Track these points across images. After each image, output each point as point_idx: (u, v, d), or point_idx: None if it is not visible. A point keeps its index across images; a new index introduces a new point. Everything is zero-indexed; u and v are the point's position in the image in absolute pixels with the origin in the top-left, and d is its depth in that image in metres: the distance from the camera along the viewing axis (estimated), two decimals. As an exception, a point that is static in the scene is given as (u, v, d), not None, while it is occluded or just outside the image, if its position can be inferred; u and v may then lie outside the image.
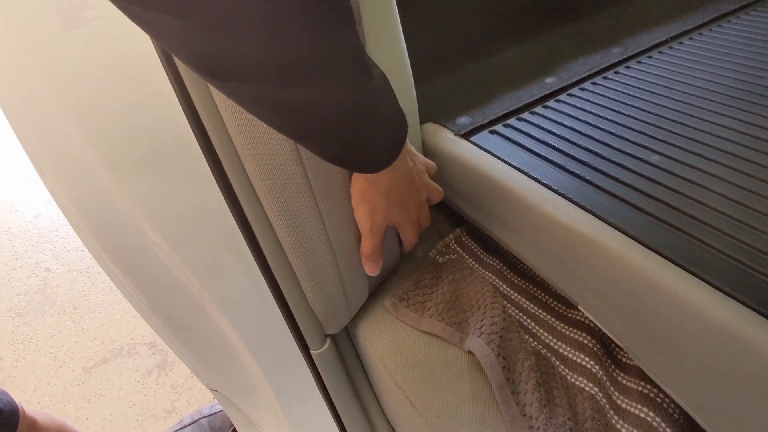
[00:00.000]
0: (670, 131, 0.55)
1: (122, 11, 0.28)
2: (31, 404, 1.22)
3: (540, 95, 0.65)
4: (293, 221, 0.50)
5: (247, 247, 0.54)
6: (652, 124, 0.56)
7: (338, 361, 0.62)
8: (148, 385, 1.24)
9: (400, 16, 0.54)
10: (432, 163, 0.57)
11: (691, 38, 0.73)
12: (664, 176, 0.48)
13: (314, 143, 0.36)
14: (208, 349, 0.67)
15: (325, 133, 0.34)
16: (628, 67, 0.68)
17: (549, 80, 0.68)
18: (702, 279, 0.38)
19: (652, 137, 0.54)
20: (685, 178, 0.48)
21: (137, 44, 0.49)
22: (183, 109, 0.48)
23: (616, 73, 0.68)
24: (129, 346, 1.33)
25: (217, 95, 0.45)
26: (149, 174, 0.51)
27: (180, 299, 0.60)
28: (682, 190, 0.46)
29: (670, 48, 0.71)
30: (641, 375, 0.51)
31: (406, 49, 0.56)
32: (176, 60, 0.46)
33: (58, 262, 1.58)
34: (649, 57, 0.70)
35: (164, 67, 0.47)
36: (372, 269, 0.54)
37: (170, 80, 0.47)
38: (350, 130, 0.35)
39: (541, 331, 0.58)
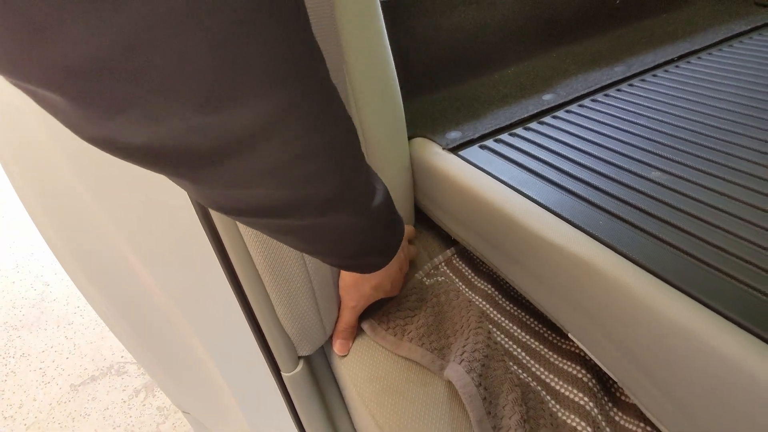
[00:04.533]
0: (673, 147, 0.51)
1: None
2: (15, 421, 1.19)
3: (536, 111, 0.62)
4: (268, 242, 0.47)
5: (219, 266, 0.52)
6: (655, 141, 0.52)
7: (311, 384, 0.58)
8: (135, 406, 1.20)
9: (391, 28, 0.52)
10: (411, 227, 0.59)
11: (699, 57, 0.70)
12: (664, 192, 0.44)
13: (319, 256, 0.38)
14: (180, 368, 0.63)
15: (330, 249, 0.36)
16: (631, 85, 0.65)
17: (547, 97, 0.65)
18: (705, 304, 0.34)
19: (653, 153, 0.50)
20: (687, 194, 0.44)
21: None
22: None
23: (618, 90, 0.64)
24: (119, 364, 1.30)
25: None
26: (126, 193, 0.49)
27: (152, 317, 0.57)
28: (683, 208, 0.42)
29: (676, 67, 0.68)
30: (640, 415, 0.46)
31: (392, 62, 0.54)
32: None
33: (57, 276, 1.57)
34: (654, 75, 0.67)
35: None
36: (342, 348, 0.54)
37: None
38: (356, 245, 0.37)
39: (532, 361, 0.53)
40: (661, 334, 0.34)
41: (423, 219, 0.68)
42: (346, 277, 0.50)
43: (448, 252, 0.67)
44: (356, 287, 0.50)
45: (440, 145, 0.59)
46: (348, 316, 0.52)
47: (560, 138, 0.56)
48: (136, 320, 0.58)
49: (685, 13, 0.88)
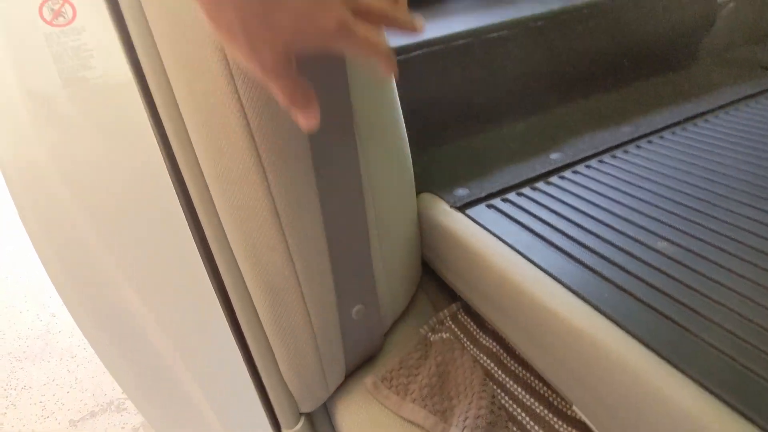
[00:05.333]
0: (681, 217, 0.51)
1: None
2: (11, 456, 1.17)
3: (543, 171, 0.62)
4: (272, 291, 0.47)
5: (224, 317, 0.52)
6: (662, 208, 0.53)
7: (312, 443, 0.57)
8: (132, 446, 1.18)
9: (401, 82, 0.54)
10: None
11: (706, 120, 0.71)
12: (671, 265, 0.44)
13: None
14: (178, 416, 0.63)
15: None
16: (638, 147, 0.66)
17: (554, 156, 0.66)
18: (712, 393, 0.33)
19: (660, 222, 0.50)
20: (695, 269, 0.44)
21: (129, 103, 0.49)
22: (168, 172, 0.48)
23: (625, 152, 0.65)
24: (119, 401, 1.29)
25: (203, 158, 0.44)
26: (130, 232, 0.50)
27: (151, 360, 0.57)
28: (691, 284, 0.42)
29: (684, 129, 0.69)
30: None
31: (401, 115, 0.56)
32: (164, 121, 0.46)
33: (63, 308, 1.58)
34: (661, 137, 0.67)
35: (152, 127, 0.47)
36: (307, 117, 0.34)
37: (156, 140, 0.47)
38: None
39: (536, 427, 0.52)
40: (671, 422, 0.34)
41: (429, 272, 0.68)
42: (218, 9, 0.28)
43: (454, 306, 0.67)
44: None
45: (448, 202, 0.60)
46: (274, 84, 0.31)
47: (566, 200, 0.56)
48: (135, 359, 0.58)
49: (693, 74, 0.90)
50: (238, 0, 0.27)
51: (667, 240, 0.47)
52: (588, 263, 0.46)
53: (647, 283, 0.43)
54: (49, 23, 0.49)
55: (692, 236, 0.48)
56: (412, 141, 0.58)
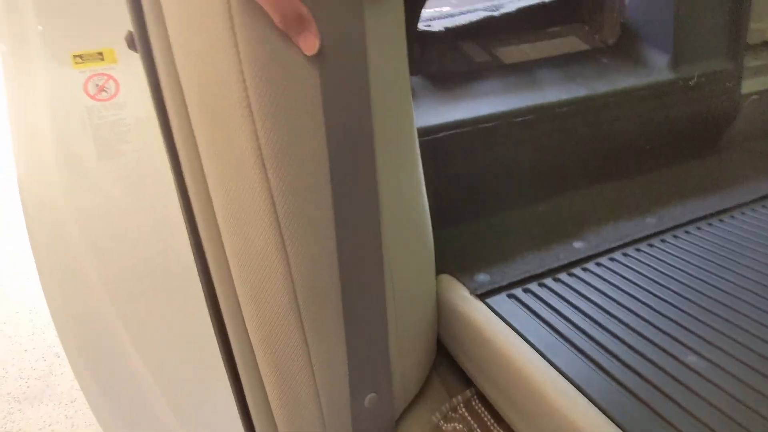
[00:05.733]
0: (712, 327, 0.49)
1: None
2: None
3: (566, 261, 0.61)
4: (283, 378, 0.46)
5: (232, 394, 0.51)
6: (690, 315, 0.51)
7: None
8: (121, 505, 1.13)
9: (426, 161, 0.54)
10: None
11: (732, 216, 0.70)
12: (702, 385, 0.42)
13: None
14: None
15: None
16: (663, 241, 0.65)
17: (577, 244, 0.65)
18: None
19: (689, 331, 0.49)
20: (729, 393, 0.41)
21: (160, 177, 0.50)
22: (191, 244, 0.48)
23: (650, 245, 0.64)
24: (113, 453, 1.25)
25: (226, 237, 0.45)
26: (146, 304, 0.50)
27: (152, 425, 0.56)
28: (725, 409, 0.40)
29: (709, 224, 0.68)
30: None
31: (425, 195, 0.56)
32: (191, 197, 0.46)
33: (69, 348, 1.57)
34: (686, 232, 0.66)
35: (180, 205, 0.47)
36: (303, 40, 0.36)
37: (183, 216, 0.47)
38: None
39: None
40: None
41: (445, 354, 0.66)
42: None
43: (468, 392, 0.64)
44: None
45: (468, 288, 0.59)
46: (273, 10, 0.33)
47: (590, 296, 0.55)
48: (131, 422, 0.56)
49: (716, 163, 0.89)
50: None
51: (697, 353, 0.45)
52: (612, 372, 0.44)
53: (676, 402, 0.41)
54: (92, 97, 0.51)
55: (722, 350, 0.46)
56: (434, 219, 0.57)
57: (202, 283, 0.48)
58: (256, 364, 0.48)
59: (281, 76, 0.37)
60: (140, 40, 0.44)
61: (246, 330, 0.47)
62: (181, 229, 0.48)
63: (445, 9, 0.94)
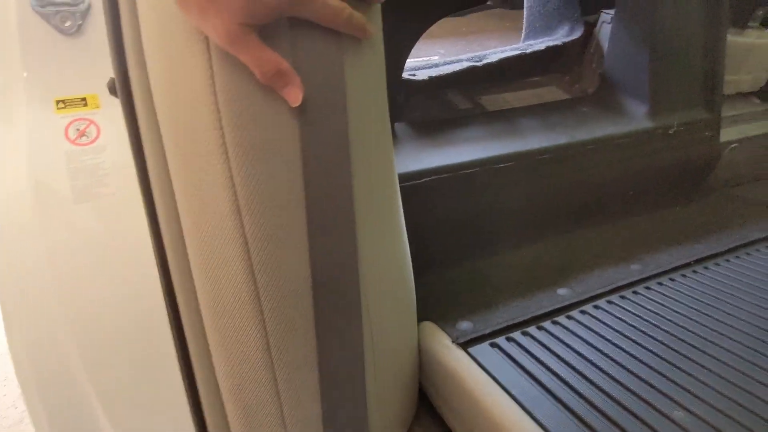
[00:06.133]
0: (698, 379, 0.48)
1: None
2: None
3: (550, 308, 0.60)
4: (251, 420, 0.44)
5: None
6: (677, 366, 0.50)
7: None
8: None
9: (408, 206, 0.54)
10: None
11: (717, 264, 0.69)
12: (689, 441, 0.41)
13: None
14: None
15: None
16: (648, 288, 0.64)
17: (561, 291, 0.64)
18: None
19: (675, 383, 0.47)
20: None
21: (135, 227, 0.49)
22: (163, 289, 0.47)
23: (634, 293, 0.63)
24: None
25: (198, 281, 0.44)
26: (115, 358, 0.48)
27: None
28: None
29: (694, 272, 0.67)
30: None
31: (406, 241, 0.55)
32: (166, 247, 0.45)
33: (43, 396, 1.50)
34: (671, 279, 0.66)
35: (153, 245, 0.46)
36: (287, 94, 0.35)
37: (156, 257, 0.46)
38: None
39: None
40: None
41: (427, 404, 0.64)
42: None
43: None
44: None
45: (450, 336, 0.57)
46: (246, 58, 0.32)
47: (574, 345, 0.54)
48: None
49: (699, 209, 0.90)
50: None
51: (684, 408, 0.44)
52: (598, 430, 0.42)
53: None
54: (72, 142, 0.51)
55: (711, 406, 0.44)
56: (415, 263, 0.57)
57: (172, 329, 0.46)
58: (226, 417, 0.46)
59: (259, 125, 0.38)
60: (121, 86, 0.44)
61: (216, 379, 0.45)
62: (155, 274, 0.47)
63: (435, 58, 0.97)
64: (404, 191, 0.64)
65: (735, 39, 0.95)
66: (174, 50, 0.38)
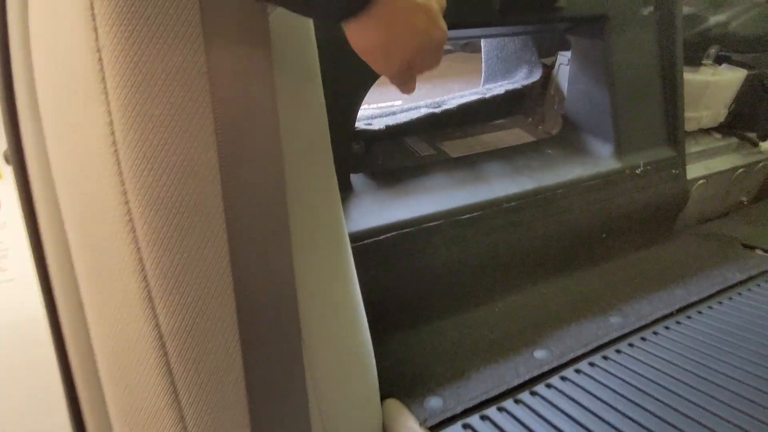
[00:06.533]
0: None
1: None
2: None
3: (527, 377, 0.54)
4: None
5: None
6: (669, 440, 0.44)
7: None
8: None
9: (367, 266, 0.48)
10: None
11: (700, 312, 0.65)
12: None
13: None
14: None
15: None
16: (631, 345, 0.59)
17: (538, 354, 0.58)
18: None
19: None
20: None
21: (34, 330, 0.42)
22: (65, 398, 0.39)
23: (617, 351, 0.58)
24: None
25: (107, 384, 0.36)
26: None
27: None
28: None
29: (677, 323, 0.63)
30: None
31: (362, 309, 0.49)
32: (66, 336, 0.38)
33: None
34: (655, 333, 0.61)
35: (53, 343, 0.39)
36: (410, 87, 0.43)
37: (60, 371, 0.39)
38: None
39: None
40: None
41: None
42: (365, 39, 0.37)
43: None
44: (361, 41, 0.37)
45: (418, 417, 0.50)
46: (389, 69, 0.39)
47: (555, 422, 0.48)
48: None
49: (673, 249, 0.87)
50: (382, 38, 0.36)
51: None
52: None
53: None
54: (-33, 217, 0.44)
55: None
56: (377, 331, 0.50)
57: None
58: None
59: (174, 200, 0.32)
60: (14, 159, 0.38)
61: None
62: (57, 379, 0.40)
63: (398, 103, 0.94)
64: (363, 250, 0.59)
65: (691, 77, 0.95)
66: (72, 116, 0.32)
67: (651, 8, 0.86)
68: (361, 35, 0.35)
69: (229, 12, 0.33)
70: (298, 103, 0.41)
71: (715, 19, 0.94)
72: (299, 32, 0.42)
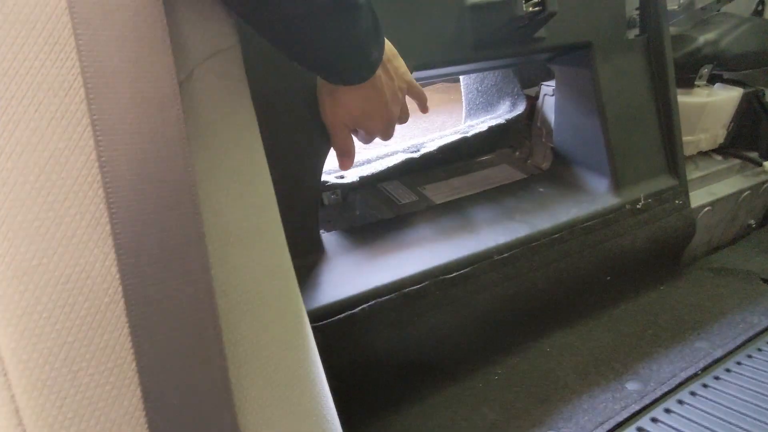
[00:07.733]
0: None
1: None
2: None
3: (536, 474, 0.46)
4: None
5: None
6: None
7: None
8: None
9: (340, 340, 0.41)
10: (418, 89, 0.52)
11: (728, 371, 0.57)
12: None
13: (302, 57, 0.37)
14: None
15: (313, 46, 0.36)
16: (654, 420, 0.50)
17: (547, 440, 0.50)
18: None
19: None
20: None
21: None
22: None
23: (638, 430, 0.49)
24: None
25: None
26: None
27: None
28: None
29: (704, 386, 0.54)
30: None
31: (332, 406, 0.40)
32: None
33: None
34: (680, 402, 0.53)
35: None
36: (347, 162, 0.53)
37: None
38: (338, 44, 0.36)
39: None
40: None
41: None
42: (326, 95, 0.49)
43: None
44: (339, 103, 0.48)
45: None
46: (342, 134, 0.51)
47: None
48: None
49: (685, 289, 0.79)
50: (353, 117, 0.48)
51: None
52: None
53: None
54: None
55: None
56: (354, 419, 0.42)
57: None
58: None
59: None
60: None
61: None
62: None
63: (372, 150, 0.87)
64: (334, 325, 0.51)
65: (686, 99, 0.89)
66: None
67: (636, 31, 0.80)
68: (359, 94, 0.45)
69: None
70: (231, 181, 0.34)
71: (704, 38, 0.88)
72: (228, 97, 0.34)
